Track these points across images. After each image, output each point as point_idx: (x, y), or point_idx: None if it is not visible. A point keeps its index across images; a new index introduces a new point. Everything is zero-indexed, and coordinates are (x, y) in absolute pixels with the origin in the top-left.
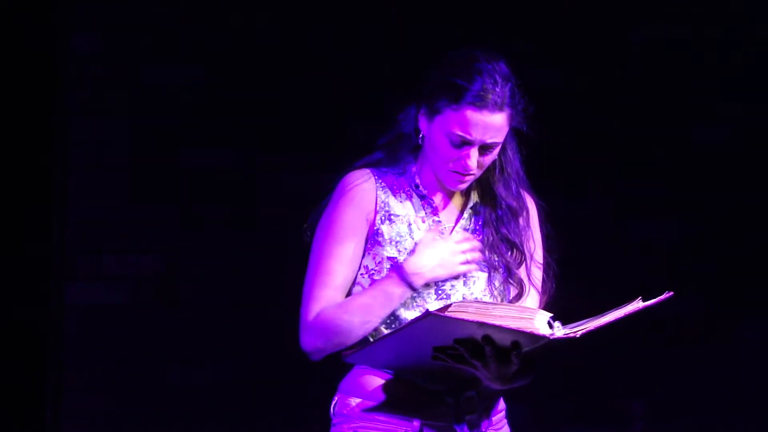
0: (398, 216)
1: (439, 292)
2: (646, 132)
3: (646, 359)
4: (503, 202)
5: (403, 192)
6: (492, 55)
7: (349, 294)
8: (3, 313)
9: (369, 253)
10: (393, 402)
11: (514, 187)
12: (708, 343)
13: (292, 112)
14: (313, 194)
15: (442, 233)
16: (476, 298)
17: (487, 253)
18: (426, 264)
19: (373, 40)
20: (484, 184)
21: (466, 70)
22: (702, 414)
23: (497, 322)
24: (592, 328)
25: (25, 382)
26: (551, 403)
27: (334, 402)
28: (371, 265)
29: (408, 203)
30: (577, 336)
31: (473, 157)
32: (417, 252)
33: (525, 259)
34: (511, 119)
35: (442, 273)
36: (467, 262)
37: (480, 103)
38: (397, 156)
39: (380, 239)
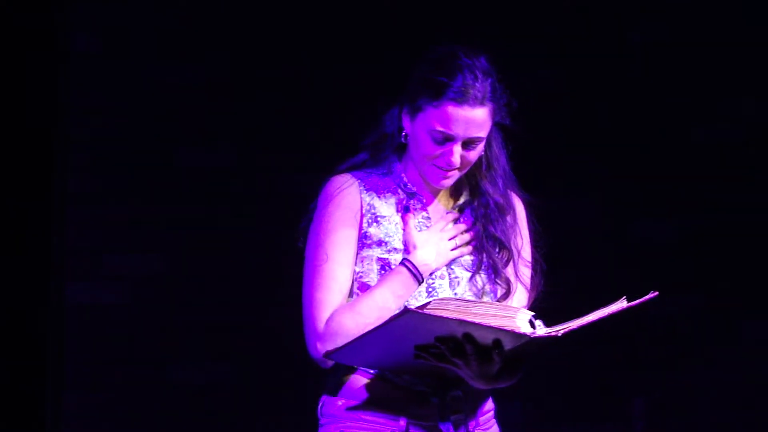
0: (385, 217)
1: (430, 290)
2: (646, 132)
3: (646, 358)
4: (491, 200)
5: (389, 191)
6: (472, 50)
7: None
8: (3, 312)
9: (356, 256)
10: (379, 401)
11: (500, 183)
12: (708, 343)
13: (291, 112)
14: (312, 194)
15: (428, 228)
16: (457, 295)
17: (475, 250)
18: (429, 256)
19: (373, 40)
20: (473, 182)
21: (447, 67)
22: (702, 414)
23: (477, 320)
24: (574, 326)
25: (25, 381)
26: (551, 401)
27: (321, 402)
28: (358, 268)
29: (393, 200)
30: (559, 335)
31: (456, 153)
32: (420, 246)
33: (512, 256)
34: (494, 114)
35: (441, 261)
36: (457, 247)
37: (461, 98)
38: (381, 156)
39: (368, 241)
